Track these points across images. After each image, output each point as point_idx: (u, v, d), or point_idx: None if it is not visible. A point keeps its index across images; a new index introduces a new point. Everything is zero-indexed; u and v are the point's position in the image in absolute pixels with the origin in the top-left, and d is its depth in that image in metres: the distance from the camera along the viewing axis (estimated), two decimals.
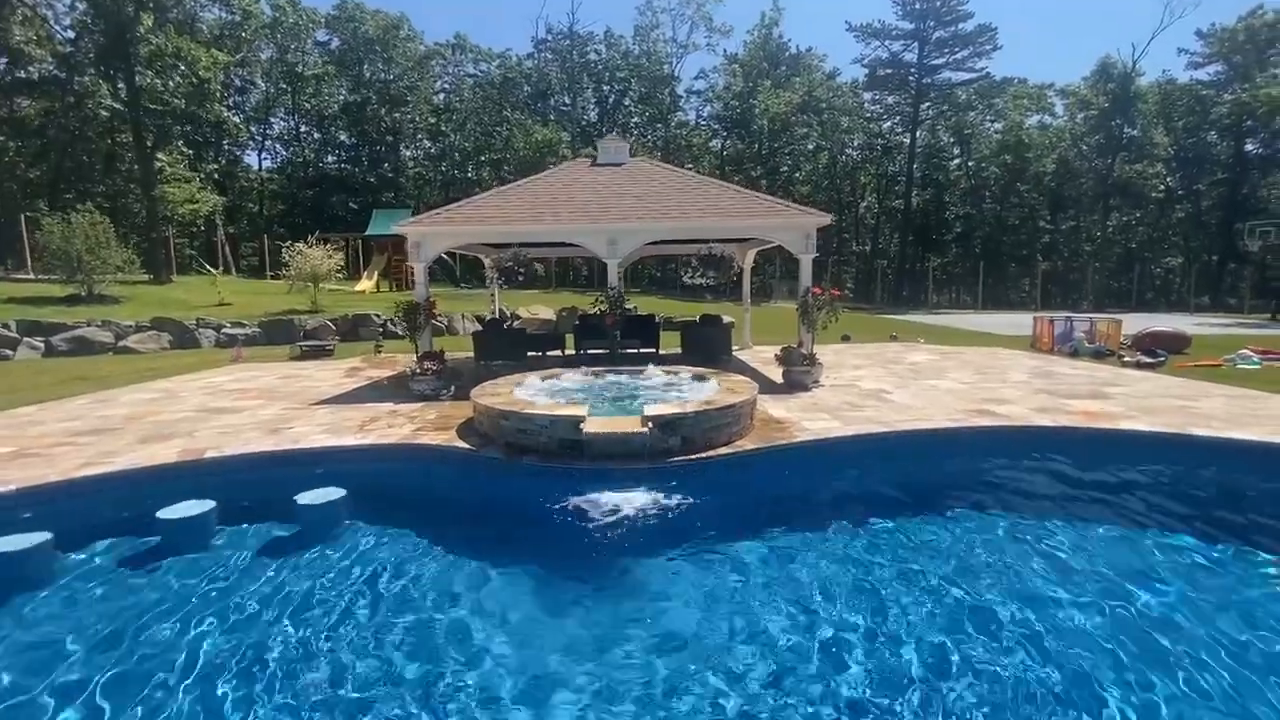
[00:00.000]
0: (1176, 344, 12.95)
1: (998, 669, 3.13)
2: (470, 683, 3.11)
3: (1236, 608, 3.67)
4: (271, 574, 4.19)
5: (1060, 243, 45.99)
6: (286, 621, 3.64)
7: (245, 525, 4.87)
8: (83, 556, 4.42)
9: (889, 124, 48.50)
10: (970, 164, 47.58)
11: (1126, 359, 11.71)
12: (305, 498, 4.85)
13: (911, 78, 44.44)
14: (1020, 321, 20.27)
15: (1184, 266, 44.71)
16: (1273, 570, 4.15)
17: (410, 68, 46.40)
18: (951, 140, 47.78)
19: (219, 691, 3.05)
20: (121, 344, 14.92)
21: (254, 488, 5.45)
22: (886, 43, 44.71)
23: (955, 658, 3.23)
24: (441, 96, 49.39)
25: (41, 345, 14.25)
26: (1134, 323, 16.07)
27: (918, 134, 45.28)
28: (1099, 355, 12.42)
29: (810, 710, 2.89)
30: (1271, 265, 34.84)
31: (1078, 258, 45.06)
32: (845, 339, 15.99)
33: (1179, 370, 10.61)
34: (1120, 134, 42.18)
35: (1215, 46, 40.17)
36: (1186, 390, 8.48)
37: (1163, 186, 44.01)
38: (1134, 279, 42.90)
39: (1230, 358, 11.67)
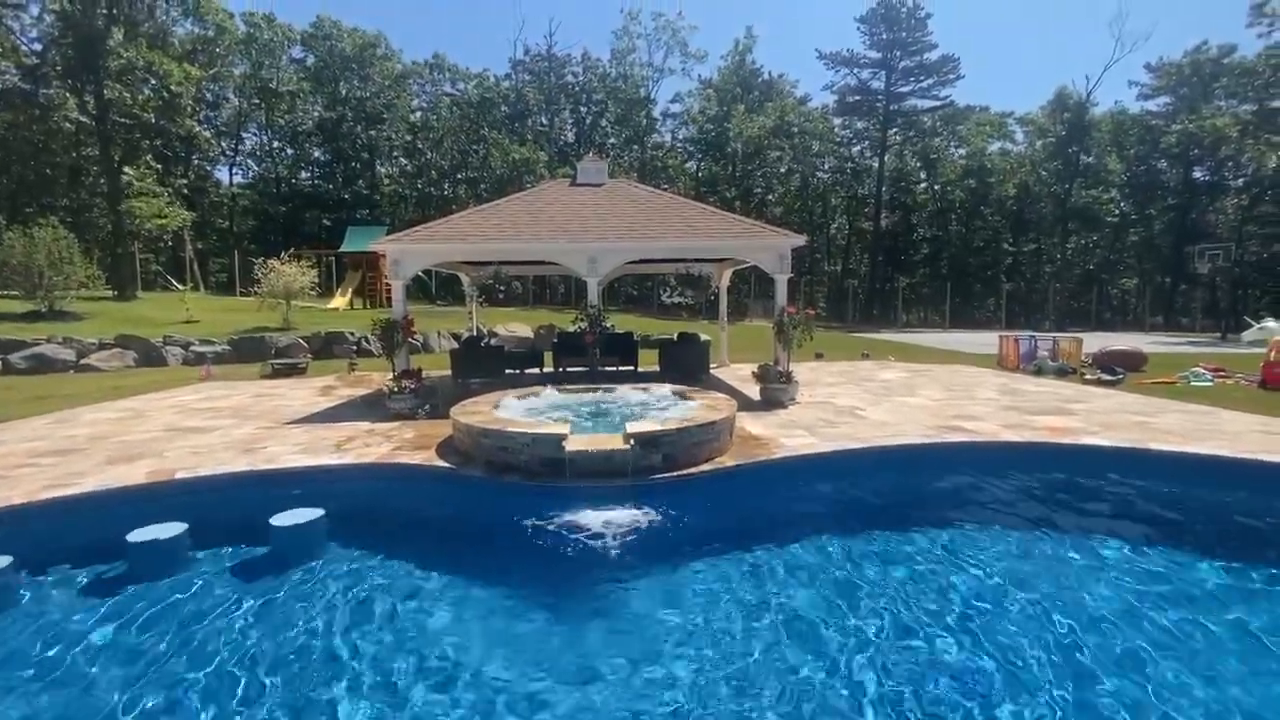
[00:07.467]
0: (1134, 362, 13.47)
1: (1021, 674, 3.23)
2: (459, 707, 3.09)
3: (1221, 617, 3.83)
4: (247, 597, 4.10)
5: (1023, 264, 47.64)
6: (262, 645, 3.57)
7: (219, 548, 4.76)
8: (45, 580, 4.28)
9: (858, 148, 50.09)
10: (936, 188, 49.21)
11: (1088, 376, 12.14)
12: (282, 519, 4.75)
13: (879, 104, 45.99)
14: (986, 340, 20.86)
15: (1139, 287, 46.63)
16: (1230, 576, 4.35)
17: (387, 86, 46.25)
18: (918, 164, 49.43)
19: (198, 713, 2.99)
20: (84, 362, 14.45)
21: (228, 509, 5.32)
22: (855, 71, 46.39)
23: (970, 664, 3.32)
24: (418, 115, 49.26)
25: None
26: (1094, 341, 16.66)
27: (886, 158, 46.75)
28: (1061, 373, 12.85)
29: None
30: (1220, 287, 36.54)
31: (1040, 278, 46.67)
32: (819, 357, 16.27)
33: (1137, 387, 11.04)
34: (1077, 160, 44.11)
35: (1163, 79, 42.39)
36: (1145, 406, 8.84)
37: (1117, 211, 46.05)
38: (1093, 299, 44.56)
39: (1184, 375, 12.18)
